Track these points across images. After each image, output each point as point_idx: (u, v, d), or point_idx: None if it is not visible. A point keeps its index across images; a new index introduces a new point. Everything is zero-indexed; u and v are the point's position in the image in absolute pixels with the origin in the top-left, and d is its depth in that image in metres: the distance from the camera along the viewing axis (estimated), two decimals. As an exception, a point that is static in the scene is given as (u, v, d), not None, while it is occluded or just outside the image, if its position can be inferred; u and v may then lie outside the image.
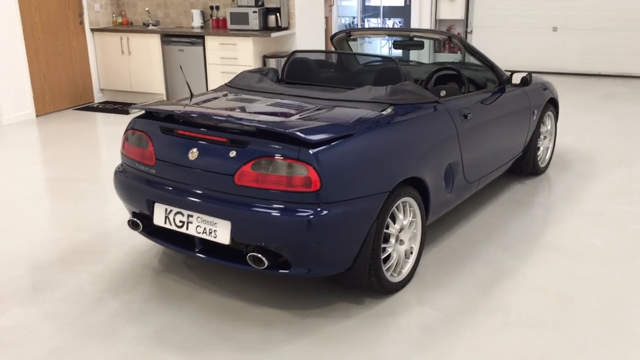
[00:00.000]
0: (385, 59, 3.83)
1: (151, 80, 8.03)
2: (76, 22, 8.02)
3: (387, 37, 4.54)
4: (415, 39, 4.43)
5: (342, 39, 4.72)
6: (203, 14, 8.09)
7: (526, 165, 4.82)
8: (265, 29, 7.49)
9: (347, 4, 11.11)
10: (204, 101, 3.53)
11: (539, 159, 4.98)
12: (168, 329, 2.96)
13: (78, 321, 3.03)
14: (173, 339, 2.88)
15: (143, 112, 3.34)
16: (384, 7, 11.51)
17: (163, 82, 7.97)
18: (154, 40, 7.86)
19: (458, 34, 10.52)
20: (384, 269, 3.13)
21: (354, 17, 11.28)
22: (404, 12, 10.68)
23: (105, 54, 8.26)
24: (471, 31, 10.35)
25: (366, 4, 11.57)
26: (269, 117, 3.05)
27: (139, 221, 3.26)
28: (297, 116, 3.12)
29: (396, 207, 3.16)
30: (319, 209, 2.76)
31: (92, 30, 8.22)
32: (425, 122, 3.39)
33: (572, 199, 4.55)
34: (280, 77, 4.14)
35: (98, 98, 8.49)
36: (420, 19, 10.35)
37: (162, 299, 3.22)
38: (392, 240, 3.17)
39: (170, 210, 3.09)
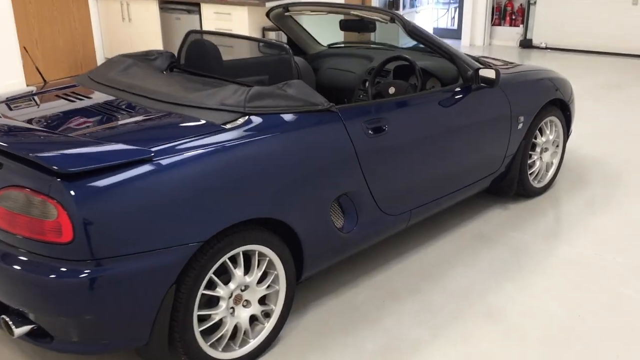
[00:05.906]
0: (279, 48, 2.87)
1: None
2: (76, -15, 7.46)
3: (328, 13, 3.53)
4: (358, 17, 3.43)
5: (279, 15, 3.78)
6: (207, -22, 7.28)
7: (509, 186, 3.72)
8: (265, -4, 6.59)
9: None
10: (31, 95, 2.85)
11: (535, 177, 3.87)
12: None
13: None
14: None
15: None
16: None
17: (162, 53, 7.30)
18: (153, 8, 7.16)
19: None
20: (208, 342, 2.29)
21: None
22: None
23: (109, 20, 7.69)
24: (534, 2, 8.89)
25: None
26: (44, 132, 2.26)
27: None
28: (89, 129, 2.30)
29: (231, 259, 2.30)
30: (72, 269, 1.95)
31: (95, -6, 7.65)
32: (296, 140, 2.45)
33: (556, 239, 3.43)
34: (176, 62, 3.31)
35: (103, 67, 7.97)
36: (475, -12, 9.01)
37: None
38: (223, 304, 2.30)
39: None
